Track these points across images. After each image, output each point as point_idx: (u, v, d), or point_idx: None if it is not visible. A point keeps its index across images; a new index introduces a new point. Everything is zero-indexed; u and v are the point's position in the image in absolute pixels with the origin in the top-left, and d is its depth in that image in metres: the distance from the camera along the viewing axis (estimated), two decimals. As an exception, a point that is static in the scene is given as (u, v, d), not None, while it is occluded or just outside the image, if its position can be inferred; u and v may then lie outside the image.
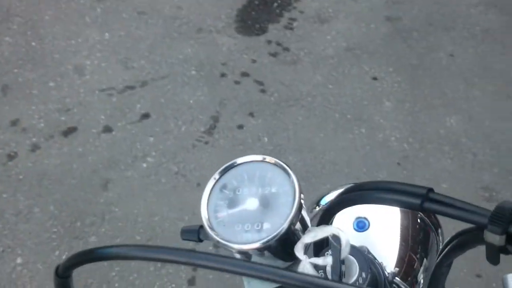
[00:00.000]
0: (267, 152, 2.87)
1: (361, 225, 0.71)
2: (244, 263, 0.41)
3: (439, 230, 0.80)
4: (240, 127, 2.67)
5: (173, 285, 2.16)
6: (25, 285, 2.15)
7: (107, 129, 2.68)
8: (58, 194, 2.46)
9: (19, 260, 2.23)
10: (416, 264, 0.73)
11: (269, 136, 2.63)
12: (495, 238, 0.44)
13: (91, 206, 2.39)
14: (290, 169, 0.59)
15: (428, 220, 0.78)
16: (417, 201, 0.51)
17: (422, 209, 0.50)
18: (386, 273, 0.70)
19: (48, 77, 2.89)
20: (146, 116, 2.71)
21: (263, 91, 2.83)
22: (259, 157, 0.60)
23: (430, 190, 0.51)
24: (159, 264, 2.22)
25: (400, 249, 0.73)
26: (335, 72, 2.96)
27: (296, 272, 0.43)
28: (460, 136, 2.66)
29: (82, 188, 2.43)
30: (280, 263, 0.61)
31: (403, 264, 0.72)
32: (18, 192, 2.43)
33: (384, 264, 0.71)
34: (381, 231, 0.72)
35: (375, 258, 0.69)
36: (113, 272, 2.22)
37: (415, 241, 0.75)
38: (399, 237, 0.74)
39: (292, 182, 0.58)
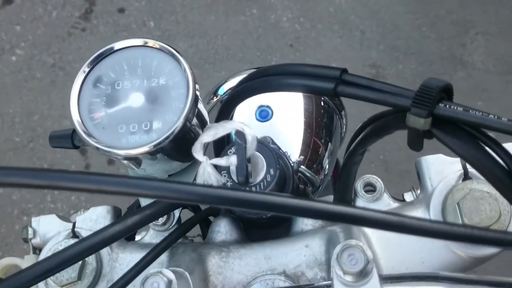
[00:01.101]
0: (155, 39, 2.64)
1: (264, 114, 0.64)
2: (123, 180, 0.32)
3: (343, 113, 0.76)
4: (121, 10, 2.41)
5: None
6: None
7: (-39, 18, 2.28)
8: None
9: None
10: (321, 150, 0.69)
11: (155, 20, 2.41)
12: (419, 121, 0.39)
13: (-45, 109, 2.10)
14: (180, 54, 0.49)
15: (331, 103, 0.73)
16: (329, 85, 0.43)
17: (336, 94, 0.44)
18: (291, 163, 0.65)
19: None
20: (8, 1, 2.33)
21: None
22: (139, 41, 0.48)
23: (344, 71, 0.44)
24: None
25: (305, 136, 0.68)
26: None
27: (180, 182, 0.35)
28: (349, 14, 2.65)
29: None
30: (176, 165, 0.52)
31: (308, 151, 0.67)
32: None
33: (289, 153, 0.66)
34: (285, 119, 0.66)
35: (280, 148, 0.64)
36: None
37: (319, 126, 0.70)
38: (303, 124, 0.68)
39: (184, 70, 0.48)
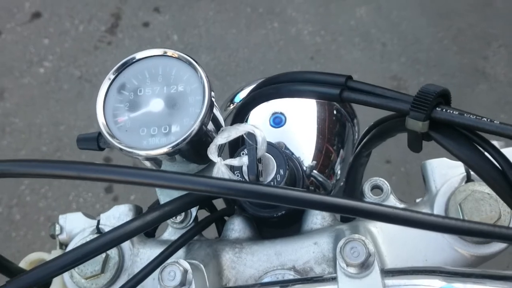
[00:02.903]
0: (179, 51, 2.69)
1: (278, 121, 0.68)
2: (146, 172, 0.35)
3: (355, 120, 0.79)
4: (146, 24, 2.48)
5: (90, 194, 2.09)
6: None
7: (-6, 32, 2.39)
8: None
9: None
10: (333, 156, 0.72)
11: (178, 34, 2.48)
12: (417, 124, 0.42)
13: (-14, 119, 2.19)
14: (198, 63, 0.52)
15: (344, 111, 0.76)
16: (335, 91, 0.47)
17: (342, 100, 0.47)
18: (304, 167, 0.68)
19: None
20: (37, 15, 2.43)
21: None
22: (159, 51, 0.52)
23: (349, 78, 0.47)
24: (71, 175, 2.13)
25: (317, 142, 0.71)
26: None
27: (201, 176, 0.38)
28: (370, 27, 2.67)
29: (-27, 100, 2.21)
30: (193, 167, 0.56)
31: (321, 156, 0.70)
32: None
33: (302, 158, 0.69)
34: (298, 126, 0.69)
35: (293, 154, 0.67)
36: (22, 186, 2.09)
37: (332, 133, 0.73)
38: (316, 130, 0.71)
39: (201, 78, 0.51)
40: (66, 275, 0.56)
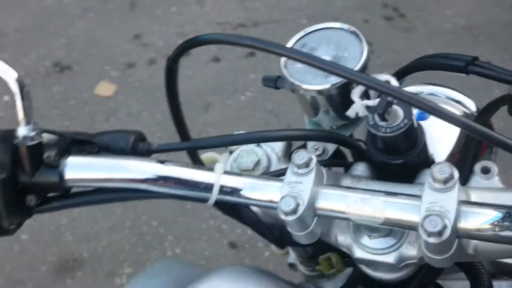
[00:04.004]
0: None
1: (422, 116, 0.79)
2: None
3: (494, 149, 0.84)
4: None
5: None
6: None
7: (216, 59, 2.90)
8: (165, 106, 2.64)
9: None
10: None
11: (365, 94, 2.68)
12: (519, 90, 0.53)
13: (190, 123, 2.60)
14: (364, 39, 0.70)
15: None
16: (462, 64, 0.60)
17: (466, 71, 0.60)
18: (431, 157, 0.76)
19: (172, 2, 3.18)
20: (252, 54, 2.89)
21: (371, 52, 2.86)
22: (337, 24, 0.71)
23: (476, 58, 0.60)
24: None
25: (453, 148, 0.79)
26: (449, 47, 2.90)
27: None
28: None
29: (186, 106, 2.64)
30: (338, 120, 0.72)
31: (452, 160, 0.79)
32: (132, 97, 2.75)
33: (434, 155, 0.79)
34: (439, 126, 0.79)
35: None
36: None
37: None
38: (456, 137, 0.80)
39: (363, 49, 0.68)
40: (229, 163, 0.75)
